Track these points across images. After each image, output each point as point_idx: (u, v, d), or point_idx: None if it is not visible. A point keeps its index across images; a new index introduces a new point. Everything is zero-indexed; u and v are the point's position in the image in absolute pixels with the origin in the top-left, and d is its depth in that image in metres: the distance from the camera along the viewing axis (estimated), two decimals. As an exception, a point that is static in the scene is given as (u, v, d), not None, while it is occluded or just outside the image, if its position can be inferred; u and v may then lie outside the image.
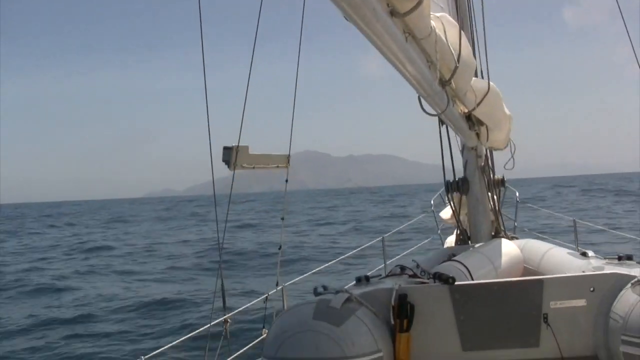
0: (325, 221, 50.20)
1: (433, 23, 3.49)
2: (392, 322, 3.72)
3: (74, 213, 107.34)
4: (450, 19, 3.98)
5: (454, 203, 7.11)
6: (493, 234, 6.93)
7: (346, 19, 2.47)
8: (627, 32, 6.61)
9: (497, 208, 7.13)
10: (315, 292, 3.91)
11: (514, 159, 7.53)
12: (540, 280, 3.85)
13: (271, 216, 56.58)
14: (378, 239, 8.53)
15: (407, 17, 2.79)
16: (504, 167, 7.56)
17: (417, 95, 4.24)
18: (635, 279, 3.63)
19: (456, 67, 3.94)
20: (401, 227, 10.40)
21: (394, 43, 2.86)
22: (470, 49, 4.54)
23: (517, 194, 8.62)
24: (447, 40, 3.76)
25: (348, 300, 3.61)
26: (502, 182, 7.43)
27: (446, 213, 7.98)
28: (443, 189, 7.37)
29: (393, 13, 2.72)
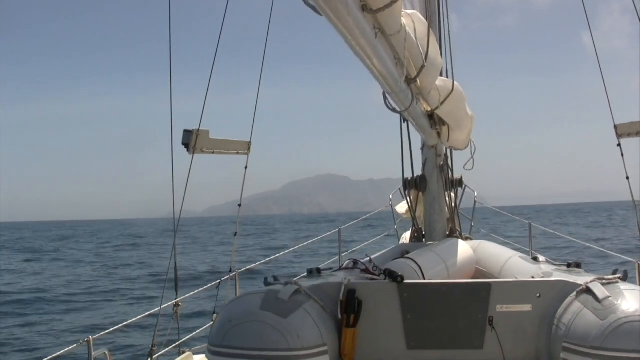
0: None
1: (404, 20, 3.48)
2: (340, 316, 3.73)
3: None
4: (421, 17, 3.98)
5: (410, 200, 7.15)
6: (448, 233, 6.99)
7: (319, 13, 2.44)
8: None
9: (453, 207, 7.20)
10: (266, 282, 3.90)
11: (473, 160, 7.59)
12: (488, 284, 3.88)
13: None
14: (335, 231, 8.53)
15: (379, 13, 2.78)
16: (464, 167, 7.62)
17: (382, 91, 4.24)
18: (580, 288, 3.68)
19: (423, 66, 3.94)
20: (359, 219, 10.41)
21: (364, 38, 2.85)
22: (437, 48, 4.56)
23: (476, 194, 8.70)
24: (416, 39, 3.76)
25: (297, 292, 3.61)
26: (460, 182, 7.49)
27: (402, 207, 8.02)
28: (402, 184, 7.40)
29: (365, 8, 2.70)
